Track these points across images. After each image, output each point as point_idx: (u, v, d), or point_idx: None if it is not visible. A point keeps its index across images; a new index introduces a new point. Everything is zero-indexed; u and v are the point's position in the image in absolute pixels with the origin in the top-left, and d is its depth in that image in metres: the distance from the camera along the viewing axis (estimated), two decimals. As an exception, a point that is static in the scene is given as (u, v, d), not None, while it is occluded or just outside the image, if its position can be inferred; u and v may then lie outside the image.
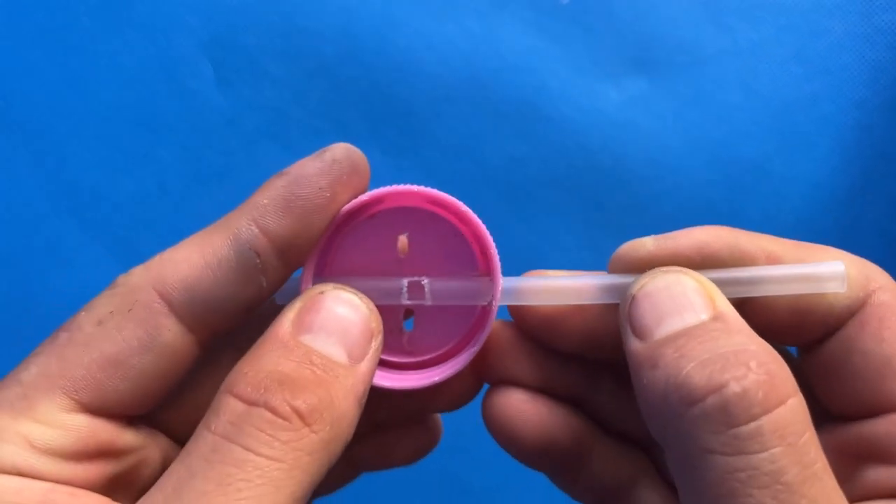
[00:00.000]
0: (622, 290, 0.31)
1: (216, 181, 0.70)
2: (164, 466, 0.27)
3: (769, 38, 0.70)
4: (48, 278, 0.68)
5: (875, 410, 0.30)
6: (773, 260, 0.31)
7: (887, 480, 0.30)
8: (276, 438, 0.26)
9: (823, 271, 0.30)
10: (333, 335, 0.29)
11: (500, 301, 0.33)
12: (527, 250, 0.68)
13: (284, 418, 0.26)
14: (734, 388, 0.25)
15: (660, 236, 0.31)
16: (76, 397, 0.28)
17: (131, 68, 0.70)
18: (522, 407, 0.34)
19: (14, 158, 0.69)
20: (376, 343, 0.30)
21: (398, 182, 0.32)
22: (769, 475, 0.24)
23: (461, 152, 0.70)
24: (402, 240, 0.34)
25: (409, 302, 0.33)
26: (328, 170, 0.30)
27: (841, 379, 0.31)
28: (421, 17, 0.70)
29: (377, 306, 0.31)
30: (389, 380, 0.33)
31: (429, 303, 0.33)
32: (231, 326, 0.31)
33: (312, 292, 0.30)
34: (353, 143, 0.31)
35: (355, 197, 0.32)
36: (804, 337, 0.32)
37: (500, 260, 0.33)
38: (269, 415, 0.26)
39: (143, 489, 0.26)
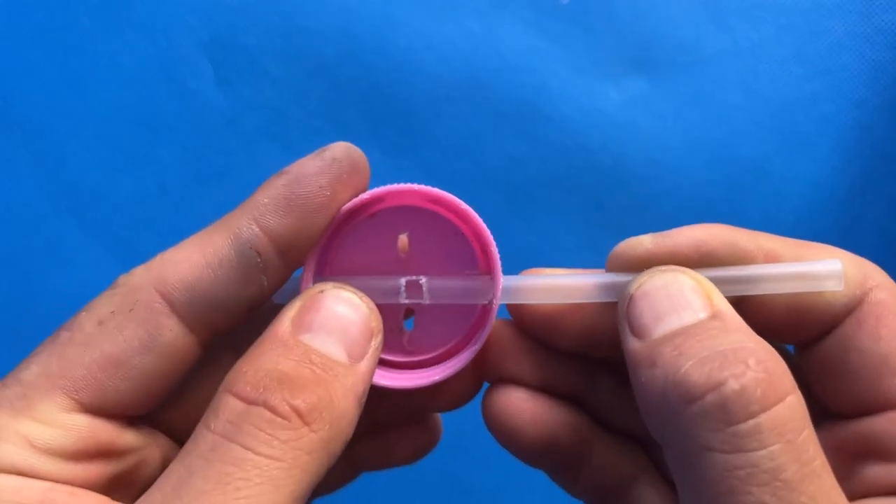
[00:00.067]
0: (620, 289, 0.31)
1: (216, 181, 0.70)
2: (164, 467, 0.27)
3: (769, 37, 0.70)
4: (48, 278, 0.68)
5: (872, 408, 0.30)
6: (770, 258, 0.31)
7: (885, 478, 0.30)
8: (276, 437, 0.26)
9: (821, 269, 0.30)
10: (333, 334, 0.29)
11: (500, 300, 0.33)
12: (527, 250, 0.68)
13: (284, 417, 0.26)
14: (733, 385, 0.25)
15: (657, 234, 0.31)
16: (76, 397, 0.28)
17: (131, 68, 0.70)
18: (522, 405, 0.34)
19: (14, 158, 0.69)
20: (376, 342, 0.30)
21: (398, 182, 0.32)
22: (768, 472, 0.24)
23: (461, 152, 0.70)
24: (403, 239, 0.34)
25: (406, 301, 0.33)
26: (328, 168, 0.30)
27: (838, 377, 0.31)
28: (421, 17, 0.70)
29: (377, 305, 0.31)
30: (390, 379, 0.33)
31: (427, 302, 0.33)
32: (232, 326, 0.31)
33: (312, 291, 0.30)
34: (353, 142, 0.31)
35: (355, 196, 0.32)
36: (802, 335, 0.32)
37: (501, 259, 0.33)
38: (268, 414, 0.26)
39: (143, 489, 0.26)
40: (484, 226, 0.32)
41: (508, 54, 0.70)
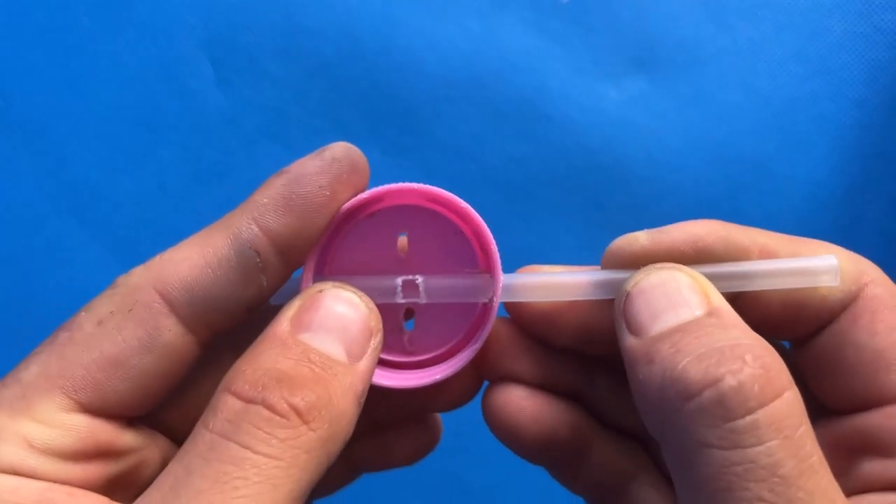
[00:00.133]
0: (617, 286, 0.31)
1: (216, 181, 0.70)
2: (164, 467, 0.26)
3: (769, 37, 0.70)
4: (48, 278, 0.68)
5: (869, 403, 0.30)
6: (766, 253, 0.31)
7: (882, 473, 0.30)
8: (274, 436, 0.26)
9: (817, 265, 0.30)
10: (332, 333, 0.29)
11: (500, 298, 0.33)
12: (527, 250, 0.68)
13: (282, 416, 0.26)
14: (730, 381, 0.25)
15: (653, 230, 0.31)
16: (76, 397, 0.28)
17: (131, 68, 0.71)
18: (522, 403, 0.34)
19: (14, 158, 0.70)
20: (375, 341, 0.30)
21: (398, 181, 0.32)
22: (766, 468, 0.24)
23: (461, 152, 0.70)
24: (402, 240, 0.34)
25: (403, 300, 0.33)
26: (328, 168, 0.30)
27: (834, 372, 0.31)
28: (421, 17, 0.70)
29: (377, 305, 0.31)
30: (391, 379, 0.33)
31: (423, 301, 0.33)
32: (231, 326, 0.31)
33: (311, 291, 0.30)
34: (353, 142, 0.31)
35: (355, 195, 0.32)
36: (797, 331, 0.32)
37: (501, 259, 0.33)
38: (266, 412, 0.26)
39: (142, 490, 0.26)
40: (483, 224, 0.32)
41: (509, 54, 0.70)
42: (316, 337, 0.29)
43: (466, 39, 0.70)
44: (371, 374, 0.30)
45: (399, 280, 0.33)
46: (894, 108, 0.68)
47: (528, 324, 0.34)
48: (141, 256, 0.30)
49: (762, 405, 0.25)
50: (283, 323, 0.29)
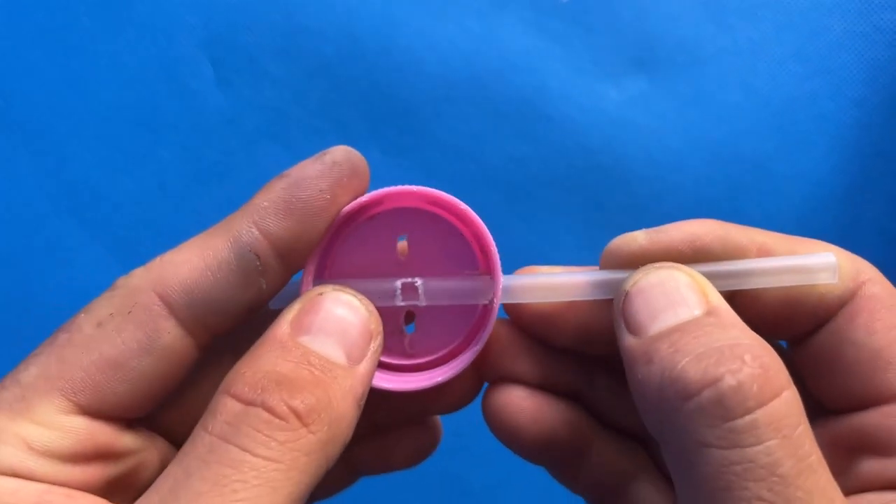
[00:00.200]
0: (616, 286, 0.31)
1: (216, 181, 0.70)
2: (163, 469, 0.26)
3: (769, 36, 0.70)
4: (48, 278, 0.69)
5: (867, 402, 0.30)
6: (764, 252, 0.31)
7: (881, 472, 0.30)
8: (274, 439, 0.26)
9: (815, 263, 0.30)
10: (332, 336, 0.29)
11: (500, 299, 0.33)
12: (527, 250, 0.68)
13: (282, 418, 0.26)
14: (729, 381, 0.25)
15: (651, 230, 0.31)
16: (75, 399, 0.28)
17: (131, 68, 0.71)
18: (522, 404, 0.34)
19: (14, 158, 0.70)
20: (375, 344, 0.30)
21: (398, 182, 0.32)
22: (765, 468, 0.24)
23: (461, 152, 0.70)
24: (402, 244, 0.34)
25: (402, 303, 0.33)
26: (328, 172, 0.30)
27: (832, 371, 0.31)
28: (421, 17, 0.70)
29: (377, 308, 0.31)
30: (391, 382, 0.33)
31: (423, 303, 0.33)
32: (231, 329, 0.31)
33: (311, 294, 0.30)
34: (353, 143, 0.31)
35: (355, 199, 0.32)
36: (795, 329, 0.32)
37: (501, 260, 0.33)
38: (266, 415, 0.26)
39: (141, 492, 0.26)
40: (483, 226, 0.32)
41: (509, 54, 0.70)
42: (316, 340, 0.29)
43: (466, 39, 0.70)
44: (371, 376, 0.30)
45: (398, 283, 0.33)
46: (894, 108, 0.68)
47: (527, 325, 0.34)
48: (141, 257, 0.30)
49: (761, 405, 0.25)
50: (283, 325, 0.29)
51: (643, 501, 0.35)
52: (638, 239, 0.31)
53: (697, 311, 0.28)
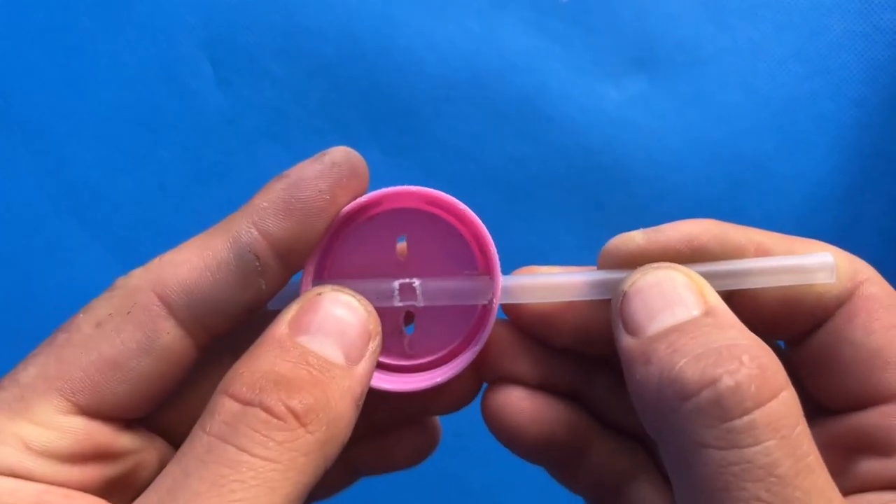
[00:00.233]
0: (614, 286, 0.31)
1: (216, 181, 0.70)
2: (161, 470, 0.26)
3: (769, 36, 0.70)
4: (48, 278, 0.69)
5: (864, 402, 0.30)
6: (761, 251, 0.31)
7: (880, 472, 0.30)
8: (271, 438, 0.26)
9: (813, 262, 0.30)
10: (330, 336, 0.29)
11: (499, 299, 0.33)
12: (527, 250, 0.68)
13: (279, 418, 0.26)
14: (727, 382, 0.25)
15: (649, 230, 0.31)
16: (73, 399, 0.28)
17: (131, 68, 0.71)
18: (522, 404, 0.34)
19: (14, 158, 0.70)
20: (374, 345, 0.30)
21: (398, 183, 0.32)
22: (763, 468, 0.24)
23: (461, 152, 0.70)
24: (402, 246, 0.34)
25: (400, 304, 0.33)
26: (328, 173, 0.30)
27: (830, 371, 0.31)
28: (421, 17, 0.70)
29: (376, 309, 0.31)
30: (391, 382, 0.33)
31: (420, 304, 0.33)
32: (230, 329, 0.31)
33: (310, 294, 0.30)
34: (353, 143, 0.31)
35: (354, 199, 0.32)
36: (793, 329, 0.32)
37: (501, 260, 0.33)
38: (263, 415, 0.26)
39: (140, 492, 0.26)
40: (482, 226, 0.32)
41: (509, 54, 0.70)
42: (314, 340, 0.29)
43: (466, 39, 0.70)
44: (370, 377, 0.30)
45: (396, 283, 0.33)
46: (894, 108, 0.68)
47: (525, 325, 0.34)
48: (141, 257, 0.30)
49: (759, 405, 0.25)
50: (282, 326, 0.29)
51: (643, 501, 0.35)
52: (635, 239, 0.31)
53: (695, 312, 0.28)
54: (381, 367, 0.34)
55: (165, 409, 0.31)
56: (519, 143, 0.69)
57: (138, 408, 0.29)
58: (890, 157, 0.68)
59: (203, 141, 0.70)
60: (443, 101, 0.70)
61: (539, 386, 0.34)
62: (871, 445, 0.30)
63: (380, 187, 0.32)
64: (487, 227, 0.32)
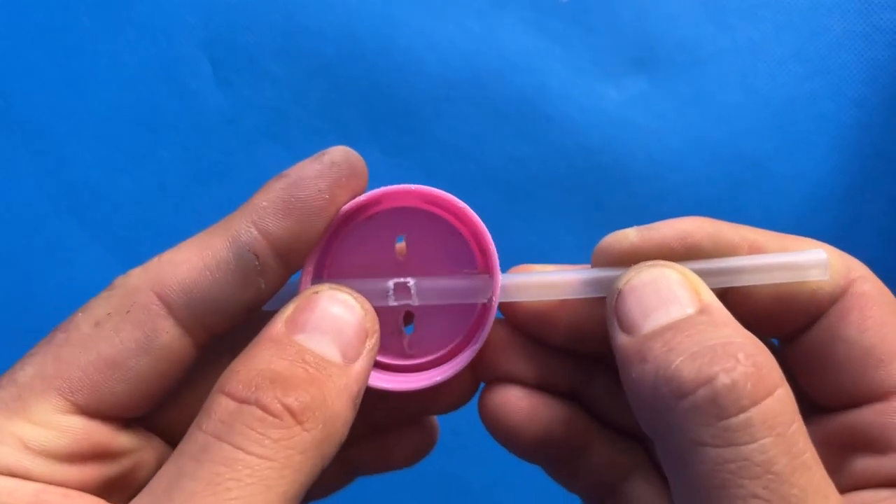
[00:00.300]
0: (609, 284, 0.31)
1: (216, 181, 0.70)
2: (159, 469, 0.27)
3: (769, 36, 0.70)
4: (48, 278, 0.69)
5: (859, 400, 0.30)
6: (755, 249, 0.31)
7: (875, 469, 0.30)
8: (267, 436, 0.26)
9: (806, 259, 0.31)
10: (327, 334, 0.29)
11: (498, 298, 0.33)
12: (527, 250, 0.68)
13: (276, 416, 0.26)
14: (723, 380, 0.25)
15: (642, 227, 0.31)
16: (72, 398, 0.28)
17: (131, 68, 0.71)
18: (519, 403, 0.34)
19: (14, 158, 0.70)
20: (371, 343, 0.30)
21: (398, 182, 0.32)
22: (759, 465, 0.24)
23: (461, 152, 0.70)
24: (401, 245, 0.34)
25: (395, 303, 0.33)
26: (327, 172, 0.30)
27: (824, 369, 0.31)
28: (421, 17, 0.70)
29: (375, 309, 0.31)
30: (390, 382, 0.33)
31: (415, 303, 0.33)
32: (229, 329, 0.31)
33: (307, 292, 0.30)
34: (353, 143, 0.31)
35: (353, 199, 0.32)
36: (787, 326, 0.32)
37: (500, 259, 0.33)
38: (259, 413, 0.26)
39: (138, 492, 0.26)
40: (481, 224, 0.32)
41: (509, 54, 0.70)
42: (311, 338, 0.29)
43: (466, 39, 0.70)
44: (367, 375, 0.30)
45: (391, 283, 0.33)
46: (894, 108, 0.68)
47: (521, 323, 0.34)
48: (141, 256, 0.30)
49: (755, 403, 0.25)
50: (279, 324, 0.29)
51: (641, 500, 0.35)
52: (629, 236, 0.31)
53: (690, 310, 0.28)
54: (380, 366, 0.34)
55: (164, 408, 0.31)
56: (519, 143, 0.69)
57: (137, 407, 0.29)
58: (890, 157, 0.68)
59: (203, 141, 0.70)
60: (443, 101, 0.70)
61: (536, 385, 0.34)
62: (866, 443, 0.30)
63: (379, 187, 0.32)
64: (487, 227, 0.32)
